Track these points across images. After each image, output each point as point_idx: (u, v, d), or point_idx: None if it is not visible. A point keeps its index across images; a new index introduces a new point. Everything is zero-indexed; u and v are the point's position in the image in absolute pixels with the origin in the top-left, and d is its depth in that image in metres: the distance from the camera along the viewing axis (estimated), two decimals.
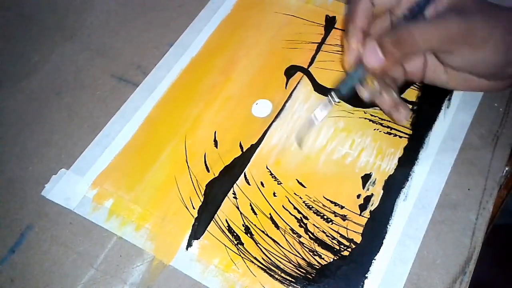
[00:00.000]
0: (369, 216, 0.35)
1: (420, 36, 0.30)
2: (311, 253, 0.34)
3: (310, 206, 0.35)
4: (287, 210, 0.35)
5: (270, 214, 0.35)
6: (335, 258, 0.33)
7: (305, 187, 0.36)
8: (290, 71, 0.42)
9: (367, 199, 0.35)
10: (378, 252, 0.33)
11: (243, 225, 0.35)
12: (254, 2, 0.47)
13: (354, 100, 0.40)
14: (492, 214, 0.34)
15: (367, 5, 0.33)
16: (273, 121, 0.40)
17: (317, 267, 0.33)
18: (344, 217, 0.35)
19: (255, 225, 0.35)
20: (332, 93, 0.34)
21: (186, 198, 0.36)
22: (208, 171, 0.38)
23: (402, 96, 0.39)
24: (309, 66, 0.42)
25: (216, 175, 0.37)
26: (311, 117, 0.36)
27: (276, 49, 0.44)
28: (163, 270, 0.34)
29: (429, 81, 0.36)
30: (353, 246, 0.34)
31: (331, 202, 0.35)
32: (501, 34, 0.30)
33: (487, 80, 0.34)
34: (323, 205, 0.35)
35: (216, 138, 0.39)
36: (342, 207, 0.35)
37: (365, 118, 0.39)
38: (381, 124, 0.38)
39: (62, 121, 0.41)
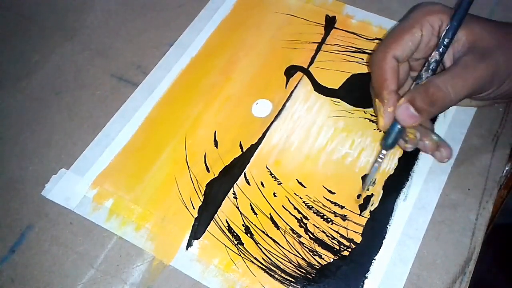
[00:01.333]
0: (369, 216, 0.35)
1: (451, 91, 0.30)
2: (311, 253, 0.34)
3: (310, 206, 0.35)
4: (287, 210, 0.35)
5: (270, 214, 0.35)
6: (335, 258, 0.33)
7: (305, 187, 0.36)
8: (290, 71, 0.42)
9: (367, 199, 0.35)
10: (378, 252, 0.33)
11: (243, 225, 0.35)
12: (254, 2, 0.47)
13: (354, 99, 0.40)
14: (492, 214, 0.34)
15: (393, 64, 0.33)
16: (273, 121, 0.40)
17: (317, 267, 0.33)
18: (344, 217, 0.35)
19: (255, 225, 0.35)
20: (381, 149, 0.34)
21: (186, 198, 0.36)
22: (208, 171, 0.38)
23: None
24: (309, 66, 0.42)
25: (216, 175, 0.37)
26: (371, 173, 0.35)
27: (276, 49, 0.44)
28: (163, 270, 0.34)
29: None
30: (353, 246, 0.34)
31: (331, 202, 0.35)
32: None
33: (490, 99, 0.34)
34: (323, 205, 0.35)
35: (216, 138, 0.39)
36: (342, 207, 0.35)
37: (365, 118, 0.39)
38: None
39: (62, 121, 0.41)
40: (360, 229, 0.34)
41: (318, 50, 0.43)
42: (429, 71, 0.32)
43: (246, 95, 0.41)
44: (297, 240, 0.34)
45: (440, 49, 0.32)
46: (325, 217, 0.35)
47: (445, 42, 0.31)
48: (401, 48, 0.33)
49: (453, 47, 0.32)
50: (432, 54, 0.32)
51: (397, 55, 0.33)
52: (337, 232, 0.34)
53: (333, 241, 0.34)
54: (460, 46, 0.32)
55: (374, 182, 0.36)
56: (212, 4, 0.47)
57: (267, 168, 0.37)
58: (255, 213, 0.36)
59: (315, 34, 0.44)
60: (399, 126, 0.32)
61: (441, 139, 0.34)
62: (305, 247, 0.34)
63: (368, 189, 0.35)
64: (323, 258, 0.33)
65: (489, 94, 0.32)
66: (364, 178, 0.36)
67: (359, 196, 0.35)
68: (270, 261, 0.34)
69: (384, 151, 0.33)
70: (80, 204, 0.37)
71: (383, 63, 0.33)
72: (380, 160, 0.33)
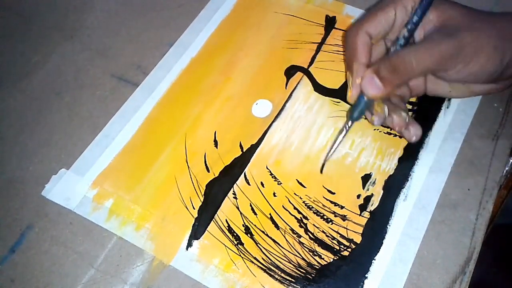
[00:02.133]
0: (369, 216, 0.35)
1: (414, 61, 0.31)
2: (311, 253, 0.34)
3: (310, 206, 0.35)
4: (287, 210, 0.35)
5: (270, 214, 0.35)
6: (335, 258, 0.33)
7: (305, 187, 0.36)
8: (290, 71, 0.42)
9: (367, 199, 0.35)
10: (378, 252, 0.33)
11: (243, 225, 0.35)
12: (254, 2, 0.47)
13: None
14: (492, 214, 0.34)
15: (366, 39, 0.34)
16: (273, 121, 0.40)
17: (317, 267, 0.33)
18: (344, 217, 0.35)
19: (255, 225, 0.35)
20: (347, 120, 0.35)
21: (186, 198, 0.37)
22: (208, 171, 0.38)
23: None
24: (309, 66, 0.42)
25: (216, 175, 0.37)
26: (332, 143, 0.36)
27: (276, 49, 0.44)
28: (163, 270, 0.34)
29: (432, 93, 0.37)
30: (353, 246, 0.34)
31: (331, 202, 0.35)
32: (493, 44, 0.31)
33: (489, 83, 0.34)
34: (323, 205, 0.35)
35: (216, 138, 0.39)
36: (342, 207, 0.35)
37: (365, 118, 0.39)
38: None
39: (62, 121, 0.41)
40: (360, 229, 0.34)
41: (318, 50, 0.43)
42: (397, 46, 0.33)
43: (246, 95, 0.41)
44: (297, 240, 0.34)
45: (409, 26, 0.33)
46: (325, 217, 0.35)
47: (414, 20, 0.32)
48: (374, 25, 0.34)
49: (424, 27, 0.33)
50: (401, 31, 0.33)
51: (369, 31, 0.34)
52: (337, 232, 0.34)
53: (333, 241, 0.34)
54: (431, 26, 0.33)
55: (331, 154, 0.36)
56: (212, 4, 0.47)
57: (267, 168, 0.37)
58: (255, 213, 0.36)
59: (315, 34, 0.44)
60: (365, 99, 0.33)
61: (412, 119, 0.35)
62: (305, 247, 0.34)
63: (321, 170, 0.36)
64: (323, 258, 0.33)
65: (457, 72, 0.33)
66: (364, 180, 0.36)
67: (359, 196, 0.35)
68: (270, 261, 0.34)
69: (349, 123, 0.35)
70: (80, 204, 0.37)
71: (356, 37, 0.34)
72: (344, 131, 0.35)
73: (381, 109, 0.34)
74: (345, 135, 0.35)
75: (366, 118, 0.37)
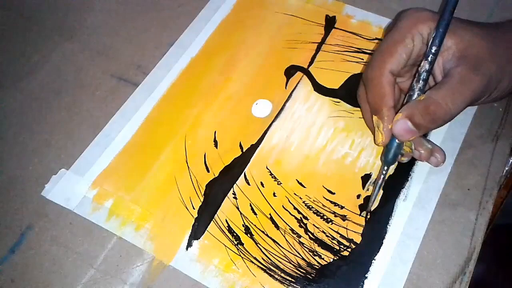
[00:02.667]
0: (369, 216, 0.35)
1: (451, 105, 0.30)
2: (311, 253, 0.34)
3: (310, 206, 0.35)
4: (287, 210, 0.35)
5: (270, 214, 0.35)
6: (335, 258, 0.33)
7: (305, 187, 0.36)
8: (290, 71, 0.42)
9: (367, 199, 0.35)
10: (378, 252, 0.33)
11: (243, 225, 0.35)
12: (254, 2, 0.47)
13: (354, 99, 0.40)
14: (492, 214, 0.34)
15: (391, 79, 0.32)
16: (273, 121, 0.39)
17: (317, 267, 0.33)
18: (344, 217, 0.35)
19: (255, 225, 0.35)
20: (383, 166, 0.34)
21: (186, 198, 0.36)
22: (208, 171, 0.38)
23: None
24: (309, 66, 0.42)
25: (216, 175, 0.37)
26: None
27: (276, 49, 0.44)
28: (163, 270, 0.34)
29: None
30: (353, 246, 0.34)
31: (331, 202, 0.35)
32: (510, 70, 0.31)
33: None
34: (323, 205, 0.35)
35: (216, 138, 0.39)
36: (342, 207, 0.35)
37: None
38: None
39: (62, 121, 0.41)
40: (360, 229, 0.34)
41: (318, 50, 0.43)
42: (420, 81, 0.31)
43: (246, 95, 0.41)
44: (297, 240, 0.34)
45: (429, 58, 0.31)
46: (325, 217, 0.35)
47: (433, 50, 0.31)
48: (396, 61, 0.32)
49: (442, 55, 0.32)
50: (422, 64, 0.31)
51: (393, 69, 0.32)
52: (337, 232, 0.34)
53: (333, 241, 0.34)
54: (450, 55, 0.31)
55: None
56: (212, 4, 0.47)
57: (267, 168, 0.37)
58: (255, 213, 0.36)
59: (315, 34, 0.44)
60: (397, 141, 0.32)
61: (434, 145, 0.34)
62: (305, 247, 0.34)
63: (369, 208, 0.35)
64: (323, 258, 0.33)
65: (482, 101, 0.32)
66: (364, 180, 0.36)
67: (359, 196, 0.35)
68: (270, 261, 0.34)
69: (385, 168, 0.33)
70: (80, 204, 0.37)
71: (381, 79, 0.32)
72: (383, 176, 0.33)
73: (409, 148, 0.33)
74: (382, 183, 0.34)
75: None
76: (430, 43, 0.31)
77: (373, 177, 0.36)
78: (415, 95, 0.32)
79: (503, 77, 0.31)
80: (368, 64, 0.34)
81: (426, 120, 0.30)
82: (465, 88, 0.30)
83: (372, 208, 0.35)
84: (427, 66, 0.31)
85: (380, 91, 0.32)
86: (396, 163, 0.35)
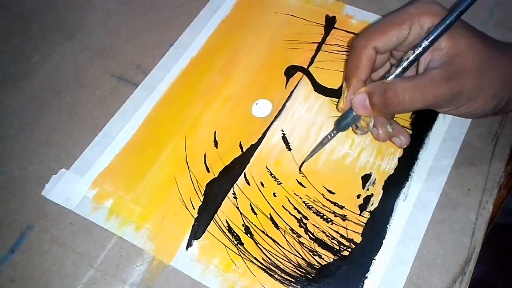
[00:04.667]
0: (369, 216, 0.35)
1: (407, 99, 0.30)
2: (311, 253, 0.34)
3: (310, 206, 0.35)
4: (287, 210, 0.35)
5: (270, 214, 0.35)
6: (335, 258, 0.33)
7: (305, 187, 0.36)
8: (290, 71, 0.42)
9: (367, 199, 0.35)
10: (378, 252, 0.33)
11: (243, 225, 0.35)
12: (254, 2, 0.47)
13: None
14: (492, 214, 0.34)
15: (372, 54, 0.33)
16: (273, 121, 0.40)
17: (317, 267, 0.33)
18: (344, 217, 0.35)
19: (255, 225, 0.35)
20: (333, 129, 0.35)
21: (186, 198, 0.36)
22: (208, 171, 0.38)
23: None
24: (309, 66, 0.42)
25: (216, 175, 0.37)
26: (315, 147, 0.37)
27: (276, 49, 0.44)
28: (163, 270, 0.34)
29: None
30: (353, 246, 0.34)
31: (331, 202, 0.35)
32: (493, 91, 0.30)
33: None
34: (323, 205, 0.35)
35: (216, 138, 0.39)
36: (342, 207, 0.35)
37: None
38: None
39: (62, 121, 0.41)
40: (360, 229, 0.34)
41: (318, 50, 0.43)
42: (399, 68, 0.32)
43: (246, 95, 0.41)
44: (297, 240, 0.34)
45: (416, 50, 0.31)
46: (325, 217, 0.35)
47: (423, 45, 0.31)
48: (385, 40, 0.32)
49: (432, 53, 0.31)
50: (407, 53, 0.32)
51: (378, 46, 0.32)
52: (337, 232, 0.34)
53: (333, 241, 0.34)
54: (439, 56, 0.31)
55: (311, 155, 0.37)
56: (212, 4, 0.47)
57: (267, 168, 0.37)
58: (255, 213, 0.36)
59: (315, 34, 0.44)
60: (354, 113, 0.33)
61: (399, 127, 0.35)
62: (305, 247, 0.34)
63: (307, 158, 0.37)
64: (323, 258, 0.33)
65: (448, 111, 0.32)
66: (364, 180, 0.36)
67: (359, 196, 0.35)
68: (270, 261, 0.34)
69: (334, 132, 0.35)
70: (80, 204, 0.37)
71: (362, 51, 0.33)
72: (329, 138, 0.35)
73: (366, 124, 0.34)
74: (327, 142, 0.36)
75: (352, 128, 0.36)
76: (424, 37, 0.31)
77: (373, 177, 0.36)
78: (388, 79, 0.32)
79: (477, 95, 0.30)
80: (360, 33, 0.34)
81: (381, 102, 0.31)
82: (430, 91, 0.30)
83: (306, 162, 0.37)
84: (411, 57, 0.31)
85: (356, 62, 0.33)
86: (397, 154, 0.35)
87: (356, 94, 0.32)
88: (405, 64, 0.32)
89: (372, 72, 0.34)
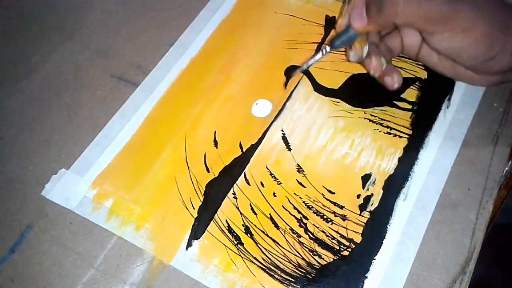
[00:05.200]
0: (369, 216, 0.35)
1: (401, 7, 0.30)
2: (311, 253, 0.34)
3: (310, 206, 0.35)
4: (287, 210, 0.35)
5: (270, 214, 0.35)
6: (335, 258, 0.33)
7: (305, 187, 0.36)
8: (290, 71, 0.42)
9: (367, 199, 0.35)
10: (378, 252, 0.33)
11: (243, 225, 0.35)
12: (254, 2, 0.47)
13: (354, 99, 0.40)
14: (492, 214, 0.34)
15: None
16: (273, 121, 0.39)
17: (317, 267, 0.33)
18: (344, 217, 0.35)
19: (255, 225, 0.35)
20: (326, 44, 0.35)
21: (186, 198, 0.36)
22: (208, 171, 0.38)
23: (402, 96, 0.39)
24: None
25: (216, 175, 0.37)
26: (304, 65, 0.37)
27: (276, 49, 0.44)
28: (163, 270, 0.34)
29: (421, 60, 0.36)
30: (353, 246, 0.34)
31: (331, 202, 0.35)
32: (484, 28, 0.30)
33: (472, 71, 0.33)
34: (323, 205, 0.35)
35: (216, 138, 0.39)
36: (342, 207, 0.35)
37: (365, 118, 0.39)
38: (381, 124, 0.38)
39: (62, 121, 0.41)
40: (360, 229, 0.34)
41: (318, 50, 0.43)
42: None
43: (246, 95, 0.41)
44: (297, 240, 0.34)
45: None
46: (325, 217, 0.35)
47: None
48: None
49: None
50: None
51: None
52: (337, 232, 0.34)
53: (333, 241, 0.34)
54: None
55: (307, 68, 0.37)
56: (212, 4, 0.47)
57: (267, 168, 0.37)
58: (255, 213, 0.36)
59: (315, 34, 0.44)
60: (352, 31, 0.33)
61: (392, 67, 0.35)
62: (305, 247, 0.34)
63: (293, 75, 0.37)
64: (323, 258, 0.33)
65: (441, 40, 0.31)
66: (364, 180, 0.36)
67: (359, 196, 0.35)
68: (270, 261, 0.34)
69: (328, 48, 0.35)
70: (80, 204, 0.37)
71: None
72: (320, 54, 0.35)
73: (360, 46, 0.34)
74: (319, 58, 0.35)
75: (344, 51, 0.36)
76: None
77: (373, 177, 0.36)
78: None
79: (472, 27, 0.30)
80: None
81: (376, 10, 0.31)
82: (424, 3, 0.30)
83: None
84: None
85: None
86: (397, 153, 0.35)
87: (354, 7, 0.33)
88: None
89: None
